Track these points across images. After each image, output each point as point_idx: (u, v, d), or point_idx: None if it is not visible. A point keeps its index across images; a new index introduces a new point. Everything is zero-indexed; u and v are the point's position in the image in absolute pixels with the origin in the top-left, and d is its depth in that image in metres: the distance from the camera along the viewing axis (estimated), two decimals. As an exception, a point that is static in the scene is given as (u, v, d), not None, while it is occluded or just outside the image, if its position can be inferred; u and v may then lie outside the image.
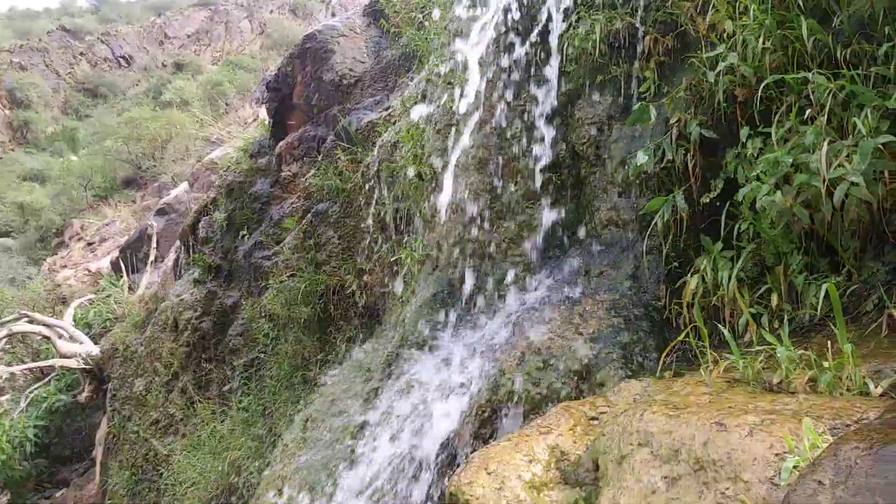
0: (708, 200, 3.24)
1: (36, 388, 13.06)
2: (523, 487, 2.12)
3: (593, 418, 2.35)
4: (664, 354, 2.68)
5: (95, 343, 11.61)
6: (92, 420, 13.23)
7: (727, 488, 1.65)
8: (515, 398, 2.96)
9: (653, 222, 3.34)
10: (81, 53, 46.23)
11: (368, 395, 4.09)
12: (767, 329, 2.54)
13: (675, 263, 3.31)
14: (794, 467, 1.53)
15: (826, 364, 1.99)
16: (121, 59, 46.81)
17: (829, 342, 2.11)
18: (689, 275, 3.10)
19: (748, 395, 2.02)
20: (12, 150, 41.37)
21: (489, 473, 2.16)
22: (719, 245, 3.18)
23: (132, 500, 9.02)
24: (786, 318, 2.49)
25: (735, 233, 3.08)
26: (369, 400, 4.04)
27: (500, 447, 2.27)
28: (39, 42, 45.92)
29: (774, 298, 2.75)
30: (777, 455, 1.63)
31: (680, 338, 2.53)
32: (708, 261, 3.12)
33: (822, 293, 2.58)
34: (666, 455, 1.87)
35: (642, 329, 3.11)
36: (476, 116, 4.12)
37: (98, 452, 11.09)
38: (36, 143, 41.86)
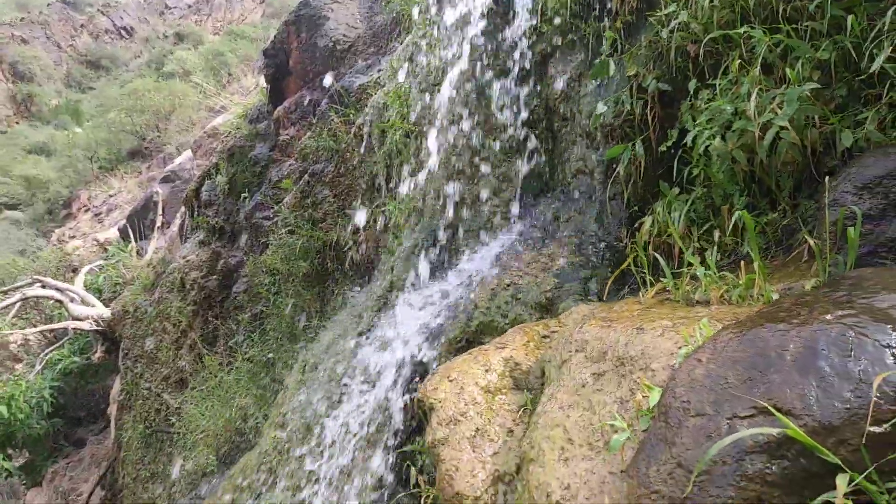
0: (664, 149, 3.53)
1: (50, 351, 13.49)
2: (480, 392, 2.45)
3: (545, 336, 2.67)
4: (610, 281, 3.00)
5: (106, 306, 12.01)
6: (105, 382, 13.69)
7: (639, 377, 1.98)
8: (484, 328, 3.29)
9: (616, 170, 3.64)
10: (82, 25, 46.18)
11: (359, 335, 4.43)
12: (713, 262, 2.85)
13: (636, 208, 3.61)
14: (686, 354, 1.85)
15: (740, 281, 2.30)
16: (122, 31, 46.74)
17: (745, 264, 2.42)
18: (647, 214, 3.41)
19: (672, 308, 2.33)
20: (17, 123, 41.58)
21: (451, 381, 2.50)
22: (675, 190, 3.49)
23: (146, 451, 9.48)
24: (715, 248, 2.78)
25: (688, 177, 3.38)
26: (360, 341, 4.38)
27: (461, 360, 2.61)
28: (40, 15, 45.86)
29: (717, 234, 3.05)
30: (680, 348, 1.95)
31: (624, 265, 2.85)
32: (664, 204, 3.43)
33: (756, 227, 2.89)
34: (596, 356, 2.20)
35: (602, 266, 3.42)
36: (456, 75, 4.40)
37: (112, 409, 11.55)
38: (40, 117, 42.02)
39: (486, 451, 2.30)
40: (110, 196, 29.25)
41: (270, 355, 6.47)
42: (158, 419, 9.26)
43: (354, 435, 3.25)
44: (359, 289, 5.44)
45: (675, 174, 3.40)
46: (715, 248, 2.71)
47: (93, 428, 14.98)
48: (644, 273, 2.73)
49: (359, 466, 3.08)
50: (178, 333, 9.04)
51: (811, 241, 2.51)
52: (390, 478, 3.04)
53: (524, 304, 3.29)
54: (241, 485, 5.32)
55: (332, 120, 6.13)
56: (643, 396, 1.78)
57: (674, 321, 2.11)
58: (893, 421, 1.38)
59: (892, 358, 1.46)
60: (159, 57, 40.32)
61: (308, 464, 3.61)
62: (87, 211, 29.93)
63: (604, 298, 2.99)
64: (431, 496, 2.55)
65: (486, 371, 2.50)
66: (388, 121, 5.11)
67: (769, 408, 1.47)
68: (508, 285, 3.42)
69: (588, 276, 3.34)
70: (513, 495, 2.19)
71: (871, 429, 1.38)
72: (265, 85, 8.24)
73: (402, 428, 3.02)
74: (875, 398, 1.40)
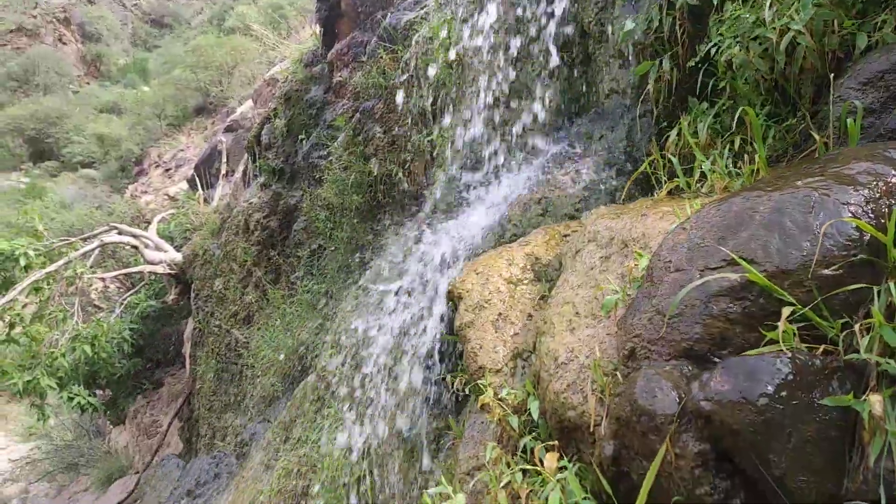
0: (693, 64, 3.63)
1: (128, 296, 14.36)
2: (503, 282, 2.70)
3: (566, 235, 2.89)
4: (628, 183, 3.18)
5: (177, 251, 12.72)
6: (180, 326, 14.51)
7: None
8: (516, 240, 3.52)
9: (646, 88, 3.77)
10: (145, -16, 47.13)
11: (405, 258, 4.73)
12: (723, 162, 2.99)
13: (665, 123, 3.74)
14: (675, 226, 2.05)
15: (742, 171, 2.46)
16: (183, -12, 47.48)
17: (748, 157, 2.57)
18: (672, 129, 3.55)
19: (678, 201, 2.52)
20: (87, 83, 43.12)
21: (477, 273, 2.75)
22: (704, 105, 3.61)
23: (218, 384, 10.16)
24: (727, 150, 2.92)
25: (716, 90, 3.49)
26: (406, 263, 4.68)
27: (487, 256, 2.86)
28: (105, -25, 46.99)
29: (737, 141, 3.18)
30: (673, 225, 2.15)
31: (641, 167, 3.02)
32: (691, 118, 3.55)
33: (774, 133, 3.01)
34: (605, 243, 2.41)
35: (627, 179, 3.59)
36: (496, 4, 4.55)
37: (187, 348, 12.33)
38: (109, 76, 43.43)
39: (507, 332, 2.56)
40: (179, 152, 30.24)
41: (327, 286, 6.86)
42: (229, 353, 9.89)
43: (404, 333, 3.57)
44: (409, 219, 5.72)
45: (700, 89, 3.52)
46: (727, 149, 2.85)
47: (170, 369, 15.91)
48: (659, 174, 2.90)
49: (409, 353, 3.40)
50: (243, 272, 9.58)
51: (816, 136, 2.64)
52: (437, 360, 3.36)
53: (553, 216, 3.50)
54: (306, 401, 5.77)
55: (382, 57, 6.34)
56: (635, 265, 2.00)
57: (674, 207, 2.30)
58: (842, 264, 1.56)
59: (850, 214, 1.64)
60: (220, 13, 40.91)
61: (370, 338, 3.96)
62: (157, 167, 31.05)
63: (622, 202, 3.17)
64: (465, 378, 2.84)
65: (510, 265, 2.74)
66: (433, 53, 5.30)
67: (736, 258, 1.67)
68: (540, 200, 3.63)
69: (614, 188, 3.52)
70: (529, 368, 2.45)
71: (823, 271, 1.57)
72: (318, 28, 8.49)
73: (443, 327, 3.31)
74: (828, 245, 1.59)
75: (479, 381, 2.42)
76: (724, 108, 3.44)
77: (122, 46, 44.59)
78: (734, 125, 3.49)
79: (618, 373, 1.76)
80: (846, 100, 2.51)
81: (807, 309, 1.53)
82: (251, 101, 14.07)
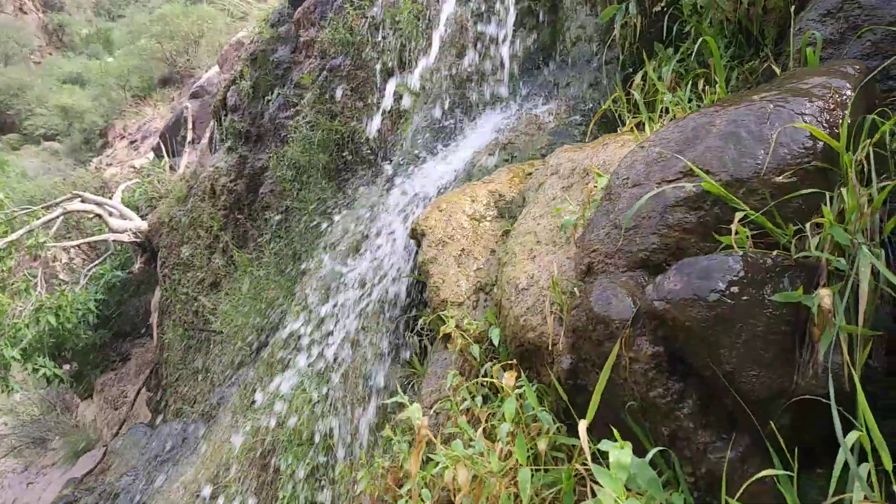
0: (659, 9, 3.62)
1: (93, 267, 14.11)
2: (466, 219, 2.69)
3: (529, 174, 2.88)
4: (592, 122, 3.17)
5: (143, 219, 12.50)
6: (148, 297, 14.31)
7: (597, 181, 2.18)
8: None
9: (612, 34, 3.75)
10: (108, -49, 45.76)
11: (372, 210, 4.69)
12: (684, 96, 3.00)
13: (630, 69, 3.73)
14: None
15: (703, 103, 2.46)
16: (148, -44, 46.23)
17: (707, 86, 2.57)
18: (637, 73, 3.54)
19: (641, 133, 2.51)
20: (50, 54, 41.89)
21: (440, 210, 2.73)
22: (670, 50, 3.60)
23: (186, 352, 10.07)
24: (688, 87, 2.92)
25: (679, 35, 3.49)
26: (372, 215, 4.64)
27: (451, 194, 2.83)
28: (66, -58, 45.51)
29: (701, 83, 3.18)
30: (638, 152, 2.14)
31: (605, 106, 3.01)
32: (657, 62, 3.55)
33: (738, 74, 3.02)
34: (566, 174, 2.40)
35: (595, 124, 3.58)
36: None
37: (154, 317, 12.17)
38: (72, 47, 42.23)
39: (470, 267, 2.55)
40: (144, 123, 29.62)
41: (295, 248, 6.80)
42: (196, 320, 9.79)
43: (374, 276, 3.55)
44: (376, 175, 5.67)
45: (666, 34, 3.51)
46: (688, 86, 2.85)
47: (138, 340, 15.68)
48: (622, 112, 2.89)
49: (374, 295, 3.38)
50: (210, 238, 9.45)
51: (777, 70, 2.65)
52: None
53: (519, 160, 3.48)
54: (274, 359, 5.73)
55: (349, 13, 6.24)
56: (594, 187, 1.99)
57: (635, 136, 2.29)
58: (796, 171, 1.57)
59: (804, 123, 1.64)
60: (186, -19, 39.88)
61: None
62: (122, 139, 30.38)
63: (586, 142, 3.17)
64: (430, 319, 2.82)
65: (473, 202, 2.72)
66: (400, 6, 5.22)
67: (693, 167, 1.67)
68: (505, 146, 3.60)
69: (581, 134, 3.51)
70: (491, 300, 2.45)
71: (776, 179, 1.58)
72: (284, -13, 8.32)
73: (405, 267, 3.29)
74: (782, 153, 1.59)
75: (441, 314, 2.41)
76: (689, 52, 3.44)
77: (86, 16, 43.39)
78: (698, 68, 3.50)
79: (576, 290, 1.76)
80: (806, 31, 2.51)
81: (759, 214, 1.54)
82: (217, 67, 13.79)
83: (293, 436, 4.72)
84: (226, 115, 9.18)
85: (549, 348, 1.86)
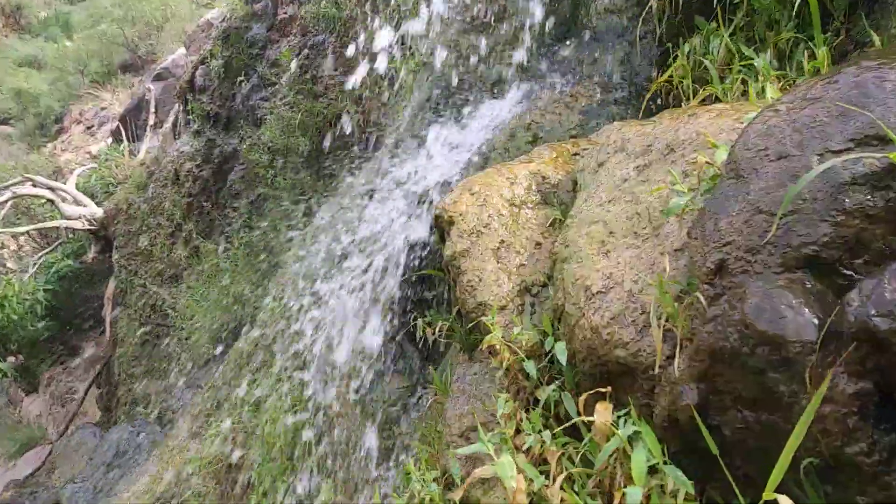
0: (704, -22, 3.20)
1: (43, 255, 13.28)
2: (504, 204, 2.21)
3: (575, 154, 2.42)
4: (647, 97, 2.72)
5: (99, 206, 11.73)
6: (101, 289, 13.52)
7: (693, 158, 1.72)
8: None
9: (648, 4, 3.32)
10: (69, -70, 44.18)
11: (361, 204, 4.19)
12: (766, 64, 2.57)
13: (669, 45, 3.30)
14: (754, 116, 1.60)
15: (805, 69, 2.03)
16: (111, -64, 44.81)
17: (806, 56, 2.14)
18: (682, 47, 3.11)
19: (729, 103, 2.07)
20: (6, 36, 40.23)
21: (472, 194, 2.25)
22: (714, 25, 3.18)
23: (142, 347, 9.39)
24: (767, 53, 2.49)
25: (728, 6, 3.07)
26: (363, 207, 4.14)
27: (483, 174, 2.35)
28: (25, -82, 43.79)
29: (761, 61, 2.75)
30: (742, 123, 1.69)
31: (664, 77, 2.57)
32: (702, 37, 3.12)
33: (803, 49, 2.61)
34: (639, 151, 1.94)
35: (632, 103, 3.15)
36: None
37: (107, 309, 11.43)
38: (30, 29, 40.62)
39: (512, 262, 2.08)
40: (102, 109, 28.52)
41: (268, 238, 6.25)
42: (154, 314, 9.13)
43: (365, 271, 3.05)
44: (362, 161, 5.17)
45: (715, 2, 3.09)
46: (767, 53, 2.42)
47: (90, 334, 14.86)
48: (686, 84, 2.45)
49: (369, 298, 2.88)
50: (172, 227, 8.81)
51: (876, 39, 2.24)
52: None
53: (546, 142, 3.03)
54: (242, 363, 5.19)
55: (334, -14, 5.72)
56: (705, 162, 1.53)
57: (729, 105, 1.84)
58: None
59: None
60: (150, -35, 38.70)
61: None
62: (79, 124, 29.24)
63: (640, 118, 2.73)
64: (447, 324, 2.34)
65: (512, 184, 2.25)
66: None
67: (871, 135, 1.22)
68: (529, 125, 3.14)
69: (617, 113, 3.07)
70: (542, 305, 1.98)
71: None
72: (262, -41, 7.74)
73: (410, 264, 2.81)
74: None
75: (482, 319, 1.93)
76: (740, 25, 3.02)
77: (44, -3, 41.76)
78: (752, 47, 3.08)
79: (698, 295, 1.30)
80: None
81: None
82: (183, 49, 13.08)
83: (266, 447, 4.19)
84: (194, 97, 8.55)
85: (652, 372, 1.40)
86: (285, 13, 7.18)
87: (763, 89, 2.04)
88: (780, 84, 2.05)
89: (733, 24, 2.97)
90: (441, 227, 2.29)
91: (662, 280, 1.39)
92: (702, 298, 1.30)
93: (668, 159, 1.80)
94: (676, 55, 3.13)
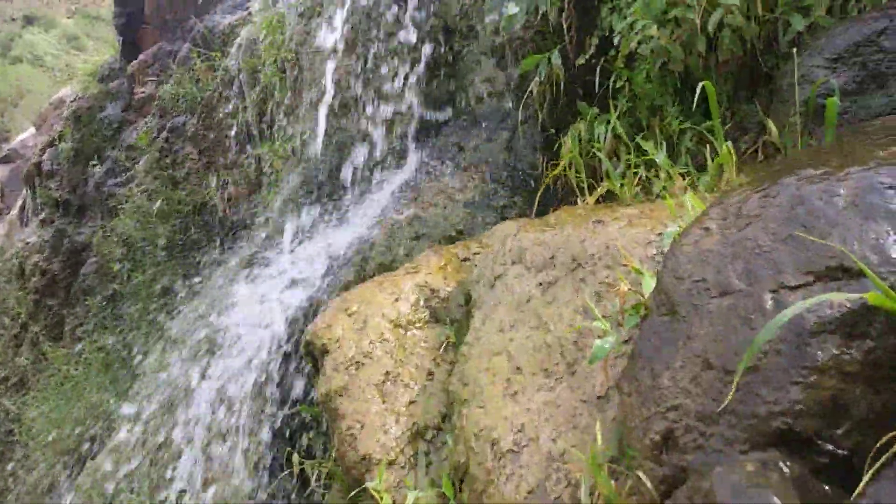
0: (583, 61, 3.08)
1: None
2: (389, 326, 1.88)
3: (465, 259, 2.13)
4: (539, 193, 2.51)
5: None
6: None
7: (606, 277, 1.47)
8: (385, 271, 2.70)
9: (528, 90, 3.16)
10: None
11: (227, 305, 3.73)
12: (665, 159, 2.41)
13: (552, 131, 3.15)
14: (678, 232, 1.37)
15: (707, 170, 1.86)
16: (-41, 11, 42.22)
17: (707, 150, 1.98)
18: (565, 136, 2.96)
19: (626, 206, 1.85)
20: None
21: (350, 315, 1.90)
22: (595, 110, 3.06)
23: (-20, 466, 8.18)
24: (663, 144, 2.34)
25: (611, 91, 2.96)
26: (227, 309, 3.68)
27: (362, 288, 2.02)
28: None
29: (661, 156, 2.61)
30: (659, 234, 1.46)
31: (556, 170, 2.36)
32: (585, 123, 2.98)
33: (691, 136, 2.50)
34: (541, 264, 1.68)
35: (518, 194, 2.93)
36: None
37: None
38: None
39: (401, 399, 1.73)
40: (-54, 191, 26.13)
41: (124, 341, 5.58)
42: (-3, 428, 8.01)
43: (228, 409, 2.59)
44: (229, 253, 4.70)
45: (597, 87, 2.97)
46: (663, 144, 2.26)
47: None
48: (579, 178, 2.25)
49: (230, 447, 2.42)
50: (17, 328, 7.84)
51: (773, 128, 2.12)
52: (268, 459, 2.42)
53: (430, 238, 2.74)
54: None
55: (196, 65, 5.33)
56: (628, 289, 1.26)
57: (639, 209, 1.62)
58: None
59: None
60: (6, 41, 36.65)
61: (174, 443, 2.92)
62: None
63: (534, 216, 2.49)
64: (326, 469, 1.95)
65: (396, 300, 1.92)
66: (261, 56, 4.41)
67: (833, 267, 1.00)
68: (411, 220, 2.85)
69: (504, 205, 2.84)
70: (439, 454, 1.63)
71: None
72: (117, 37, 7.24)
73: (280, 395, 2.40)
74: None
75: (364, 479, 1.56)
76: (623, 111, 2.91)
77: None
78: (635, 132, 2.97)
79: (642, 476, 1.01)
80: (812, 80, 2.00)
81: None
82: (33, 129, 12.11)
83: None
84: (42, 182, 7.77)
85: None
86: (143, 92, 6.68)
87: (665, 188, 1.85)
88: (684, 183, 1.86)
89: (617, 110, 2.84)
90: (313, 354, 1.92)
91: (594, 451, 1.09)
92: (649, 484, 1.00)
93: (576, 276, 1.54)
94: (561, 142, 2.97)
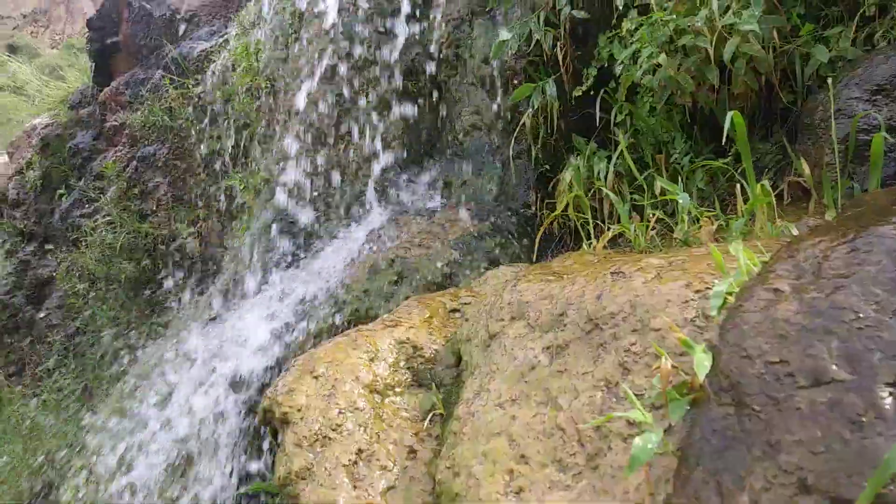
0: (580, 94, 2.85)
1: None
2: (363, 392, 1.58)
3: (454, 310, 1.85)
4: (538, 236, 2.23)
5: None
6: None
7: (633, 343, 1.19)
8: (360, 320, 2.41)
9: (521, 122, 2.92)
10: None
11: (191, 349, 3.41)
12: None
13: (546, 166, 2.89)
14: (729, 293, 1.10)
15: (738, 211, 1.61)
16: (-61, 38, 41.91)
17: (738, 188, 1.73)
18: (562, 172, 2.70)
19: (644, 254, 1.59)
20: None
21: (316, 377, 1.60)
22: (593, 145, 2.82)
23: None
24: (680, 182, 2.09)
25: (611, 124, 2.72)
26: (190, 355, 3.36)
27: (331, 345, 1.71)
28: None
29: (658, 185, 2.35)
30: (698, 292, 1.19)
31: (557, 212, 2.09)
32: (582, 160, 2.74)
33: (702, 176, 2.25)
34: (547, 323, 1.40)
35: (511, 235, 2.66)
36: (324, 20, 3.55)
37: None
38: None
39: (376, 485, 1.42)
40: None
41: (84, 381, 5.20)
42: (-52, 472, 7.50)
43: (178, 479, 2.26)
44: (197, 291, 4.38)
45: (597, 121, 2.73)
46: (680, 182, 2.01)
47: None
48: (586, 218, 1.98)
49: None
50: (-26, 365, 7.39)
51: (805, 168, 1.87)
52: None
53: (412, 283, 2.45)
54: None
55: (167, 93, 5.06)
56: (671, 366, 0.99)
57: (667, 260, 1.35)
58: None
59: None
60: (-16, 68, 36.30)
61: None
62: None
63: (533, 261, 2.22)
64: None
65: (372, 360, 1.63)
66: (234, 84, 4.15)
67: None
68: (392, 262, 2.57)
69: (496, 246, 2.56)
70: (421, 556, 1.33)
71: None
72: (89, 63, 6.96)
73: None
74: None
75: None
76: (626, 146, 2.66)
77: None
78: (638, 170, 2.72)
79: None
80: (852, 114, 1.76)
81: None
82: (6, 157, 11.72)
83: None
84: (6, 212, 7.41)
85: None
86: (115, 121, 6.37)
87: (684, 231, 1.58)
88: (714, 226, 1.60)
89: (619, 146, 2.59)
90: (273, 425, 1.62)
91: None
92: None
93: (593, 341, 1.26)
94: (557, 179, 2.72)
